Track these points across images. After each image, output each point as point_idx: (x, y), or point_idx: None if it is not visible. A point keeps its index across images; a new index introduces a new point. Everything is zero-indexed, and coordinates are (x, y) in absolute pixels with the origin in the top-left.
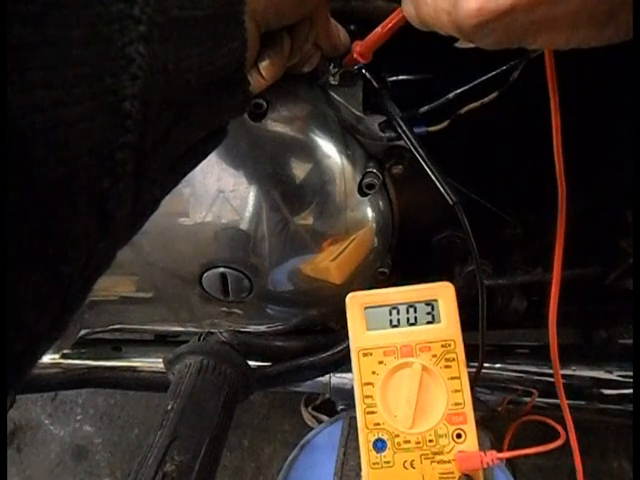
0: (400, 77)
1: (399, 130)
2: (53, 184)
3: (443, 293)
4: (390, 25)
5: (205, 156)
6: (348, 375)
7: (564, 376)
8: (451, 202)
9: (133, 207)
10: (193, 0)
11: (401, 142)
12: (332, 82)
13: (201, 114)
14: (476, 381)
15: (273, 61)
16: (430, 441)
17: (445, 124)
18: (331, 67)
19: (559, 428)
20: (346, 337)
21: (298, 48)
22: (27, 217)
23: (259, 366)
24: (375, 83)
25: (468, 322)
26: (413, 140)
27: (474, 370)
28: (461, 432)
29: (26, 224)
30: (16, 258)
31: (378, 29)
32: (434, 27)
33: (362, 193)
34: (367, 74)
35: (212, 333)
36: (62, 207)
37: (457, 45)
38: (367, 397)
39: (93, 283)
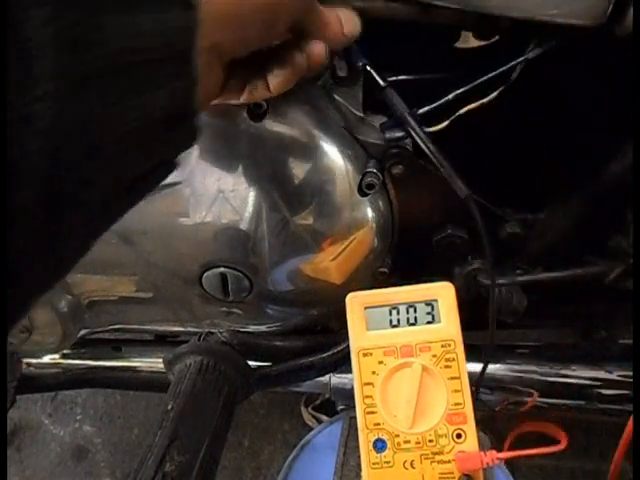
0: (400, 77)
1: (408, 126)
2: None
3: (443, 293)
4: None
5: (150, 189)
6: (348, 375)
7: (564, 376)
8: (462, 196)
9: (46, 258)
10: (132, 48)
11: (401, 142)
12: (339, 74)
13: (138, 153)
14: (482, 380)
15: (284, 76)
16: (430, 441)
17: (445, 124)
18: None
19: (558, 434)
20: (346, 337)
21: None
22: None
23: (259, 366)
24: (380, 81)
25: (468, 322)
26: (423, 135)
27: (474, 370)
28: (461, 432)
29: None
30: None
31: None
32: None
33: (362, 193)
34: (372, 71)
35: (212, 333)
36: None
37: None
38: (367, 397)
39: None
